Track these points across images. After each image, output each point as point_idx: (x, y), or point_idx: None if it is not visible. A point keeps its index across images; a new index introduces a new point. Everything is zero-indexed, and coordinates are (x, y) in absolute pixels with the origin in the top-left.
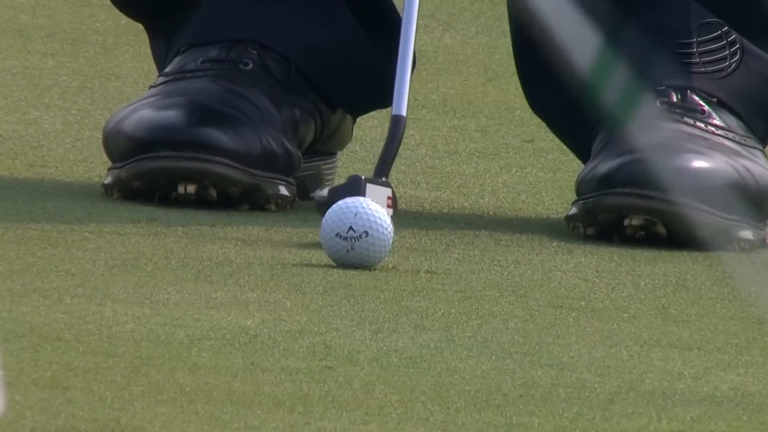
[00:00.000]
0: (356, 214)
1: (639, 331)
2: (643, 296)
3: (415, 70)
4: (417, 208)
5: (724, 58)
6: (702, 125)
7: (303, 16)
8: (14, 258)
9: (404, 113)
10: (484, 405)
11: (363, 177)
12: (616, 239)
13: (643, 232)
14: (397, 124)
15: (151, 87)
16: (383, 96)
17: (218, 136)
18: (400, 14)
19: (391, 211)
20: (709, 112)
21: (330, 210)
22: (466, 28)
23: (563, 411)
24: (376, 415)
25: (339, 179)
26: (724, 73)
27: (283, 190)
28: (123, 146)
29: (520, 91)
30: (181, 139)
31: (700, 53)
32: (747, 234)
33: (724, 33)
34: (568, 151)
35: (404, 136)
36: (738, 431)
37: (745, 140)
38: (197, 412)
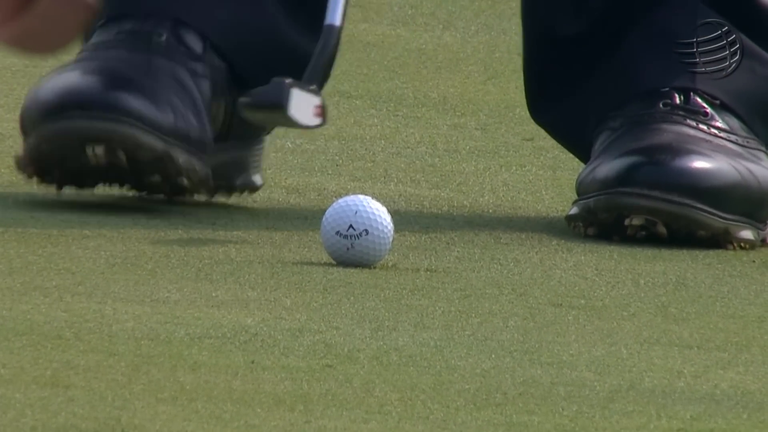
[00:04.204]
0: (356, 213)
1: (639, 329)
2: (642, 294)
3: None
4: (417, 206)
5: (724, 58)
6: (705, 127)
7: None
8: (14, 256)
9: (337, 23)
10: (483, 403)
11: (287, 80)
12: (617, 239)
13: (643, 232)
14: (329, 33)
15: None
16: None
17: (129, 100)
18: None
19: (319, 119)
20: (711, 114)
21: (330, 208)
22: (466, 27)
23: (563, 409)
24: (376, 413)
25: (267, 162)
26: (724, 73)
27: (196, 164)
28: (33, 115)
29: (520, 89)
30: (90, 101)
31: (700, 53)
32: (747, 234)
33: (724, 33)
34: None
35: (404, 134)
36: (738, 429)
37: (747, 142)
38: (198, 411)
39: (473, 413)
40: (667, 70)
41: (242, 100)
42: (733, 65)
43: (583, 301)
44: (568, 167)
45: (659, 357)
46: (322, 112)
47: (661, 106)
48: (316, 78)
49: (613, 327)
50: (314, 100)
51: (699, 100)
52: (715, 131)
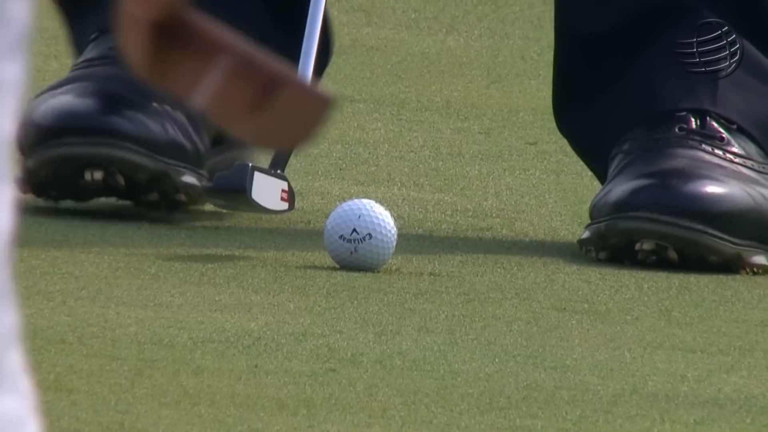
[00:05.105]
0: (360, 217)
1: (642, 333)
2: (646, 299)
3: (329, 60)
4: (420, 210)
5: (724, 58)
6: (720, 152)
7: (217, 8)
8: (18, 260)
9: None
10: (487, 407)
11: (251, 165)
12: (628, 264)
13: (654, 257)
14: None
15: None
16: None
17: (124, 122)
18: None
19: (285, 204)
20: (728, 139)
21: (333, 212)
22: (470, 31)
23: (566, 413)
24: (379, 417)
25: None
26: (724, 73)
27: (193, 180)
28: (31, 136)
29: (524, 93)
30: (86, 125)
31: (700, 53)
32: (760, 259)
33: (724, 33)
34: (571, 153)
35: (407, 138)
36: None
37: (763, 168)
38: (201, 415)
39: (476, 417)
40: (683, 92)
41: (205, 186)
42: (733, 65)
43: (586, 306)
44: (572, 171)
45: (662, 361)
46: (289, 196)
47: (677, 130)
48: (281, 163)
49: (616, 331)
50: (280, 185)
51: (715, 124)
52: (731, 156)
